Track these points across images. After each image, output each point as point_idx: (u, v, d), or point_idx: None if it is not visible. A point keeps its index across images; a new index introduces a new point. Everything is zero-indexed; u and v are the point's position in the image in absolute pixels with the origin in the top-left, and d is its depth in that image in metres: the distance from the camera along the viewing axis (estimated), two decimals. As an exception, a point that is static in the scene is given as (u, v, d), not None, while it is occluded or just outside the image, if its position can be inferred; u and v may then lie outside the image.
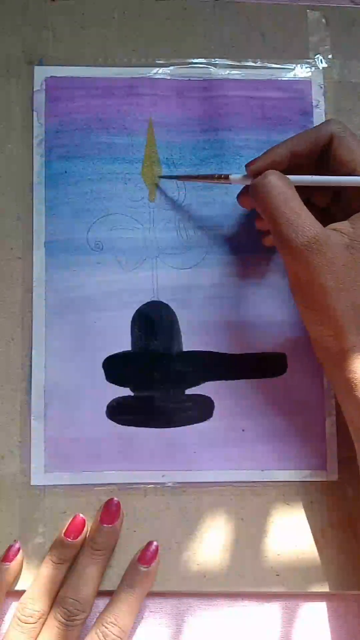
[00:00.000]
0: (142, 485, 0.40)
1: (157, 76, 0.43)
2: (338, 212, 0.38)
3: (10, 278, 0.41)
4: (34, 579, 0.38)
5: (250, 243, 0.42)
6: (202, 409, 0.41)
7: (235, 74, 0.43)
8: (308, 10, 0.44)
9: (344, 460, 0.40)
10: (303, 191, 0.35)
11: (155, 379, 0.41)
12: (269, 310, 0.41)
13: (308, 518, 0.40)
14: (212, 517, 0.40)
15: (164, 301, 0.41)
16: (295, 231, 0.33)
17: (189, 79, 0.43)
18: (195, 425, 0.40)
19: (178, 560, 0.39)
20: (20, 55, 0.43)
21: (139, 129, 0.42)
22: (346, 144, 0.36)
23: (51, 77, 0.43)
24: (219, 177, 0.38)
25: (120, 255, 0.42)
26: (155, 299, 0.41)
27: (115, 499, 0.39)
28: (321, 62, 0.43)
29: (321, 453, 0.40)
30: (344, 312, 0.33)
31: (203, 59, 0.43)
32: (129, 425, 0.40)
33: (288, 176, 0.35)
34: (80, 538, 0.38)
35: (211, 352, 0.41)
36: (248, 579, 0.39)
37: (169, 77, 0.43)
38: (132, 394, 0.41)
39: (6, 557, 0.38)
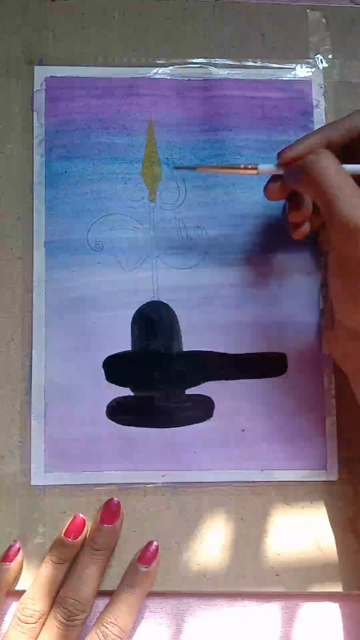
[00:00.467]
0: (142, 485, 0.40)
1: (157, 76, 0.43)
2: None
3: (10, 278, 0.41)
4: (34, 579, 0.38)
5: (251, 243, 0.42)
6: (202, 409, 0.41)
7: (235, 74, 0.43)
8: (308, 10, 0.44)
9: (344, 460, 0.40)
10: None
11: (155, 379, 0.41)
12: (269, 310, 0.41)
13: (308, 518, 0.40)
14: (212, 517, 0.40)
15: (164, 301, 0.41)
16: (356, 209, 0.32)
17: (189, 79, 0.43)
18: (195, 425, 0.40)
19: (178, 560, 0.39)
20: (20, 55, 0.43)
21: (139, 129, 0.42)
22: None
23: (51, 77, 0.43)
24: (246, 168, 0.37)
25: (120, 255, 0.42)
26: (155, 299, 0.41)
27: (115, 499, 0.39)
28: (321, 62, 0.43)
29: (321, 453, 0.40)
30: None
31: (203, 59, 0.43)
32: (129, 425, 0.40)
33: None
34: (80, 538, 0.38)
35: (211, 352, 0.41)
36: (248, 579, 0.39)
37: (169, 77, 0.43)
38: (132, 394, 0.41)
39: (6, 557, 0.38)
